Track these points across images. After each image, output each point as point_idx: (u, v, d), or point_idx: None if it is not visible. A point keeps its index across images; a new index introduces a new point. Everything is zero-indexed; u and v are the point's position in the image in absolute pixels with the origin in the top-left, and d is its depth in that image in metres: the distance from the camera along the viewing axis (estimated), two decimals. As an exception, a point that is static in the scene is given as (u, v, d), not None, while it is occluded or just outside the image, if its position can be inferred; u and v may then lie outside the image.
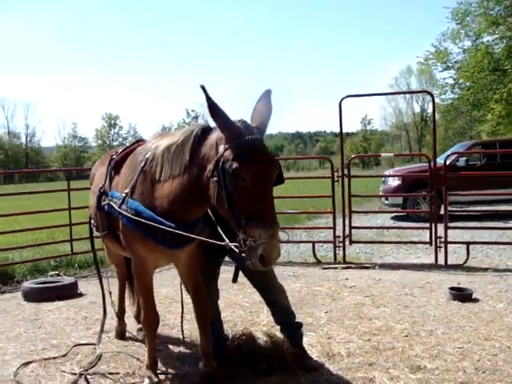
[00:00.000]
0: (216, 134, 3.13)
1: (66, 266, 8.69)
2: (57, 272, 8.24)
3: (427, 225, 8.35)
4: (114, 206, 3.69)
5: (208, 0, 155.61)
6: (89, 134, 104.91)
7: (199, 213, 3.43)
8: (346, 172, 8.65)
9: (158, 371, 4.06)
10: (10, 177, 61.19)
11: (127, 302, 5.23)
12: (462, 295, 6.05)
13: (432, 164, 8.29)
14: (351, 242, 8.71)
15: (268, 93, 3.19)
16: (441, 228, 8.02)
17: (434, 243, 8.09)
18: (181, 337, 4.58)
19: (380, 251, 9.56)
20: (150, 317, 3.90)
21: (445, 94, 24.82)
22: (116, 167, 4.04)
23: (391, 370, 4.09)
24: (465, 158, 13.49)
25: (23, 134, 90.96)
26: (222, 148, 3.02)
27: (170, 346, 4.83)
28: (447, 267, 7.84)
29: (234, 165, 2.90)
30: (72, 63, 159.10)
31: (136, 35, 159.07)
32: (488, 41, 22.71)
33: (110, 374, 4.20)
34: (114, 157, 4.16)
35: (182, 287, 4.21)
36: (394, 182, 13.95)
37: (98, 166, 4.70)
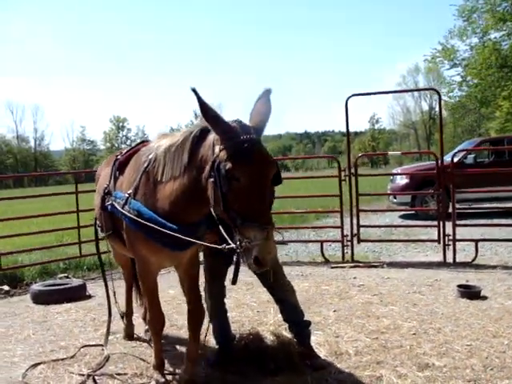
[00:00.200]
0: (213, 135, 3.10)
1: (74, 268, 8.72)
2: (66, 274, 8.29)
3: (435, 223, 8.30)
4: (117, 206, 3.70)
5: (214, 1, 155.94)
6: (97, 136, 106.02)
7: (200, 214, 3.38)
8: (353, 171, 8.63)
9: (165, 372, 4.06)
10: (20, 180, 61.70)
11: (134, 304, 5.24)
12: (470, 293, 6.02)
13: (439, 162, 8.26)
14: (359, 241, 8.68)
15: (267, 92, 3.15)
16: (449, 226, 7.98)
17: (442, 241, 8.05)
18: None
19: (388, 250, 9.53)
20: (155, 318, 3.89)
21: (452, 91, 24.72)
22: (120, 168, 4.04)
23: (399, 368, 4.08)
24: (473, 156, 13.43)
25: (32, 137, 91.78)
26: (217, 149, 2.99)
27: (178, 347, 4.83)
28: (456, 265, 7.79)
29: (228, 165, 2.86)
30: (79, 66, 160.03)
31: (143, 36, 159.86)
32: (495, 37, 22.59)
33: (118, 374, 4.22)
34: (119, 157, 4.17)
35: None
36: (402, 181, 13.88)
37: (103, 167, 4.71)
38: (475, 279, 6.81)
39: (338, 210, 8.77)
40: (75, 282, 7.36)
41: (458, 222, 8.06)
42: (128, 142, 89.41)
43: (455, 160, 9.60)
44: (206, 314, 4.07)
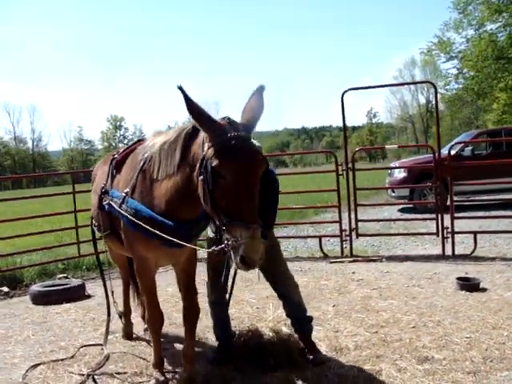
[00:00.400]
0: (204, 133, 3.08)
1: (73, 268, 8.71)
2: (65, 275, 8.28)
3: (434, 216, 8.31)
4: (114, 205, 3.69)
5: (213, 1, 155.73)
6: (95, 136, 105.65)
7: (197, 211, 3.34)
8: (350, 165, 8.62)
9: (165, 370, 4.06)
10: (18, 182, 61.64)
11: (132, 303, 5.23)
12: (469, 285, 6.02)
13: (437, 155, 8.25)
14: (358, 236, 8.68)
15: (261, 88, 3.12)
16: (447, 218, 7.98)
17: (440, 234, 8.04)
18: None
19: (387, 244, 9.53)
20: (154, 316, 3.89)
21: (448, 84, 24.74)
22: (117, 166, 4.03)
23: (398, 361, 4.08)
24: (470, 148, 13.41)
25: (29, 138, 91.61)
26: (206, 146, 2.97)
27: (177, 345, 4.82)
28: (455, 257, 7.79)
29: (214, 162, 2.84)
30: (75, 66, 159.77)
31: (141, 36, 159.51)
32: (491, 29, 22.60)
33: (118, 373, 4.22)
34: (115, 156, 4.16)
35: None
36: (400, 174, 13.85)
37: (100, 166, 4.70)
38: (474, 271, 6.81)
39: (336, 204, 8.76)
40: (74, 282, 7.35)
41: (456, 215, 8.07)
42: (125, 142, 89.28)
43: (452, 152, 9.56)
44: (208, 312, 4.05)
